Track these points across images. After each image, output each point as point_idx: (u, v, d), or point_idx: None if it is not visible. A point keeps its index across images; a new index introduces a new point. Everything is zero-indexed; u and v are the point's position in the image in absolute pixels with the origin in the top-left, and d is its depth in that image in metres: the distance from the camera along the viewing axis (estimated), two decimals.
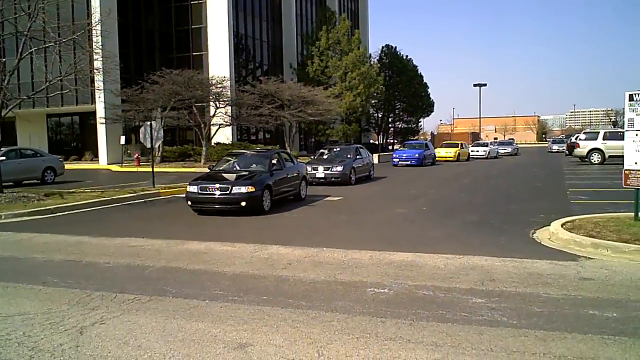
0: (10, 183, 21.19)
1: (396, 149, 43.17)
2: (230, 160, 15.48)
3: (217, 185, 12.91)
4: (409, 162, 33.20)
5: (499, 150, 50.16)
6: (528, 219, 11.62)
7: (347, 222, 11.96)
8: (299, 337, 4.90)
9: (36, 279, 7.19)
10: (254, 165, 14.67)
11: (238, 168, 14.73)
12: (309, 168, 18.79)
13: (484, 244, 9.07)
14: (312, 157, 26.01)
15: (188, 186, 13.36)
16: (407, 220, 12.07)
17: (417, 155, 33.54)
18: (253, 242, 9.47)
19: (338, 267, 7.51)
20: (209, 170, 15.30)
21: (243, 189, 12.72)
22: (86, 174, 29.70)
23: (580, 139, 32.18)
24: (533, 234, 9.94)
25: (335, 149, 24.17)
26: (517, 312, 5.47)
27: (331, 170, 20.48)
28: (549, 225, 10.07)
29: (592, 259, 7.79)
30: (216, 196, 12.81)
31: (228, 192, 12.75)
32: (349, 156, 22.14)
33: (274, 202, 13.74)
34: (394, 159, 34.37)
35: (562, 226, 9.63)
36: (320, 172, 20.34)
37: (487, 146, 46.78)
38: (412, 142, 40.35)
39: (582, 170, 26.57)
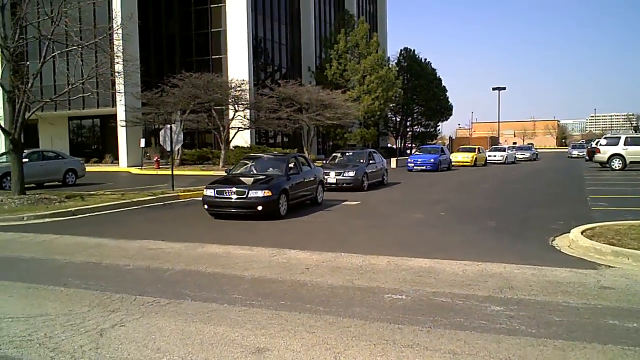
0: (32, 185, 21.55)
1: (411, 154, 42.65)
2: (248, 163, 15.53)
3: (234, 189, 12.95)
4: (424, 167, 32.52)
5: (517, 156, 49.28)
6: (547, 225, 11.51)
7: (365, 227, 11.95)
8: (316, 342, 4.91)
9: (57, 280, 7.30)
10: (271, 169, 14.71)
11: (255, 172, 14.77)
12: None
13: (503, 251, 9.01)
14: (324, 161, 25.65)
15: (205, 190, 13.43)
16: (424, 226, 12.03)
17: (432, 160, 32.84)
18: (271, 246, 9.51)
19: (356, 273, 7.52)
20: (226, 174, 15.38)
21: (259, 193, 12.76)
22: (106, 176, 30.07)
23: (600, 144, 31.77)
24: (552, 241, 9.84)
25: (348, 153, 23.68)
26: (536, 321, 5.42)
27: (343, 176, 20.00)
28: (569, 232, 9.95)
29: (612, 267, 7.69)
30: (233, 200, 12.86)
31: (244, 196, 12.79)
32: (361, 161, 21.67)
33: (290, 207, 13.77)
34: (409, 164, 33.69)
35: (582, 233, 9.52)
36: (332, 177, 19.83)
37: (504, 151, 45.98)
38: (427, 146, 39.54)
39: (602, 176, 26.24)
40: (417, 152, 37.72)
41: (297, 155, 17.04)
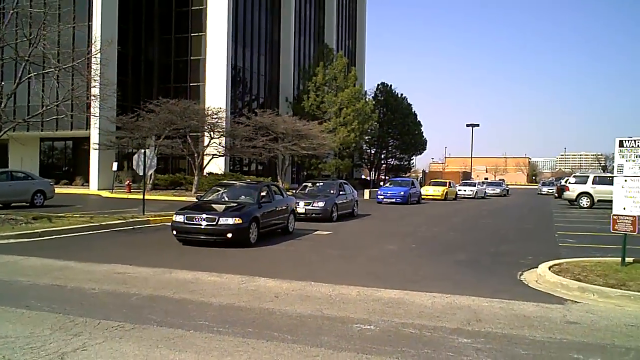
0: None
1: (381, 186, 42.68)
2: (220, 190, 15.43)
3: (204, 216, 12.79)
4: (393, 200, 32.45)
5: (488, 191, 50.22)
6: (516, 260, 11.66)
7: (335, 257, 11.94)
8: None
9: (20, 302, 7.11)
10: (243, 196, 14.62)
11: (226, 199, 14.66)
12: None
13: (472, 284, 9.07)
14: (294, 191, 25.44)
15: (174, 215, 13.25)
16: (395, 257, 12.07)
17: (402, 193, 32.80)
18: (241, 273, 9.43)
19: (325, 302, 7.49)
20: (197, 200, 15.22)
21: (230, 221, 12.63)
22: (76, 198, 29.56)
23: (570, 182, 32.49)
24: (520, 275, 9.96)
25: (318, 184, 23.49)
26: (502, 354, 5.46)
27: (312, 206, 19.76)
28: (537, 267, 10.09)
29: (578, 302, 7.81)
30: (202, 227, 12.68)
31: (214, 222, 12.63)
32: (332, 192, 21.52)
33: (261, 235, 13.66)
34: (379, 196, 33.58)
35: (549, 269, 9.66)
36: (301, 207, 19.38)
37: (474, 186, 46.78)
38: (398, 179, 39.46)
39: (571, 213, 26.74)
40: (387, 185, 37.71)
41: (270, 183, 16.99)
